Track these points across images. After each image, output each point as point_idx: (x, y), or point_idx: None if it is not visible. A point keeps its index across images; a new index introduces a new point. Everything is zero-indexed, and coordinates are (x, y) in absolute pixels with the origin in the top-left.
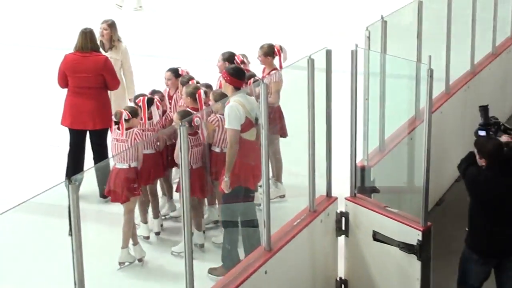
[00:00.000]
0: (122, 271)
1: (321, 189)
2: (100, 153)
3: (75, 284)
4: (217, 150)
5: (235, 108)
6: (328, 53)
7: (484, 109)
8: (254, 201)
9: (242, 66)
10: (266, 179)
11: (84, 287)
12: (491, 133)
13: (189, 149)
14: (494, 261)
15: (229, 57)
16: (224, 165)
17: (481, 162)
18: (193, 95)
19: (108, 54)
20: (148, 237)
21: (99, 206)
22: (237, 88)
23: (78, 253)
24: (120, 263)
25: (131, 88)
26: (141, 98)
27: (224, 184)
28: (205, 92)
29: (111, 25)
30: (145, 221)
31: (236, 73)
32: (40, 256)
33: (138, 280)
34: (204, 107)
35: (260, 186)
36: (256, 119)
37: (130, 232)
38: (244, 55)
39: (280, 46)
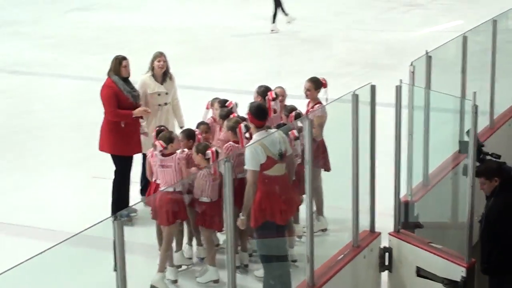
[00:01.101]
0: None
1: (364, 224)
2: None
3: None
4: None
5: (253, 150)
6: (373, 89)
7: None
8: (285, 237)
9: (274, 102)
10: (310, 213)
11: None
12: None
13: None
14: None
15: (263, 92)
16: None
17: (491, 186)
18: (233, 129)
19: (163, 87)
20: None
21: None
22: (258, 127)
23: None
24: (151, 287)
25: (182, 116)
26: (211, 150)
27: (240, 222)
28: (246, 126)
29: (164, 54)
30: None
31: (256, 112)
32: None
33: None
34: (245, 141)
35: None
36: (280, 154)
37: (167, 257)
38: (280, 87)
39: (325, 80)
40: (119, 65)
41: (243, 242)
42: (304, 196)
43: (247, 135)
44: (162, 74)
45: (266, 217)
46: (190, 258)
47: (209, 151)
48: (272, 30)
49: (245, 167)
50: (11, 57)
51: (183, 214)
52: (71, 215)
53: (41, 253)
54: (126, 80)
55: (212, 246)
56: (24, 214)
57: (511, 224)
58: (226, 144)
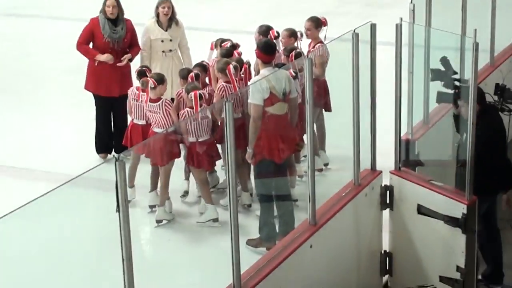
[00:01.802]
0: (160, 228)
1: (365, 163)
2: None
3: (123, 260)
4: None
5: (257, 83)
6: (373, 27)
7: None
8: (284, 176)
9: (275, 40)
10: (311, 151)
11: (132, 263)
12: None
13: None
14: None
15: (265, 31)
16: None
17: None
18: (223, 70)
19: (167, 34)
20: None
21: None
22: (266, 62)
23: (125, 228)
24: (157, 221)
25: (191, 65)
26: (194, 92)
27: (247, 155)
28: (235, 67)
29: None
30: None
31: (264, 48)
32: (89, 231)
33: (181, 234)
34: (235, 81)
35: (305, 156)
36: (284, 94)
37: (167, 192)
38: (296, 30)
39: (324, 18)
40: (104, 4)
41: (244, 182)
42: (305, 136)
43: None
44: (168, 20)
45: (264, 155)
46: (171, 212)
47: (191, 93)
48: None
49: (249, 100)
50: (6, 0)
51: (176, 153)
52: (70, 157)
53: (41, 196)
54: (114, 20)
55: (205, 184)
56: (23, 156)
57: (496, 149)
58: (218, 85)
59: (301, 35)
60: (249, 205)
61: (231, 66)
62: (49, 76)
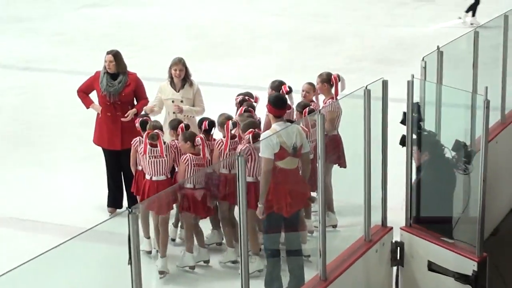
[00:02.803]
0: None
1: (376, 219)
2: None
3: None
4: (250, 179)
5: (268, 139)
6: (385, 84)
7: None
8: (298, 231)
9: (288, 96)
10: (322, 207)
11: None
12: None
13: (192, 169)
14: None
15: (277, 87)
16: (252, 194)
17: (423, 157)
18: (222, 124)
19: (179, 94)
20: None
21: None
22: (277, 116)
23: (137, 281)
24: (160, 273)
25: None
26: (200, 138)
27: (258, 211)
28: (234, 124)
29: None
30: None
31: (275, 102)
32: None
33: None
34: (229, 136)
35: (315, 212)
36: (295, 148)
37: (167, 242)
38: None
39: (338, 75)
40: (104, 60)
41: (229, 237)
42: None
43: (233, 132)
44: (181, 80)
45: (273, 209)
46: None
47: (198, 138)
48: (471, 24)
49: (260, 154)
50: (23, 54)
51: (176, 200)
52: (83, 210)
53: (53, 248)
54: (114, 75)
55: (191, 231)
56: (36, 209)
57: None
58: (217, 140)
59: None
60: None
61: (230, 122)
62: (63, 129)
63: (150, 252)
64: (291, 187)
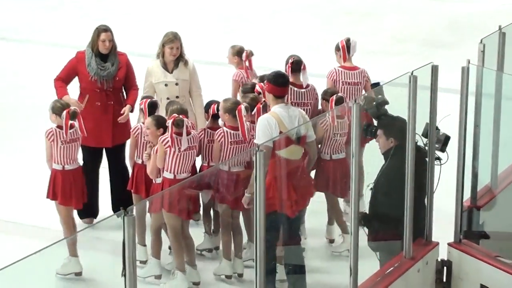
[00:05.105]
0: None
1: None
2: None
3: None
4: (225, 168)
5: (265, 122)
6: (434, 70)
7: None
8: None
9: (303, 73)
10: (354, 216)
11: None
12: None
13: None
14: None
15: (239, 51)
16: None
17: (386, 145)
18: (231, 111)
19: (172, 76)
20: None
21: None
22: (277, 96)
23: None
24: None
25: (202, 114)
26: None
27: (244, 200)
28: (246, 108)
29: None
30: None
31: (275, 79)
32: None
33: None
34: (245, 125)
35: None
36: (298, 138)
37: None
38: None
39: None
40: (97, 38)
41: (237, 246)
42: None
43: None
44: (174, 60)
45: (276, 207)
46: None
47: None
48: None
49: (255, 141)
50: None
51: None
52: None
53: (35, 252)
54: (104, 55)
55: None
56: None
57: (394, 194)
58: (218, 130)
59: None
60: (241, 275)
61: (242, 107)
62: (40, 114)
63: (145, 262)
64: (296, 181)
